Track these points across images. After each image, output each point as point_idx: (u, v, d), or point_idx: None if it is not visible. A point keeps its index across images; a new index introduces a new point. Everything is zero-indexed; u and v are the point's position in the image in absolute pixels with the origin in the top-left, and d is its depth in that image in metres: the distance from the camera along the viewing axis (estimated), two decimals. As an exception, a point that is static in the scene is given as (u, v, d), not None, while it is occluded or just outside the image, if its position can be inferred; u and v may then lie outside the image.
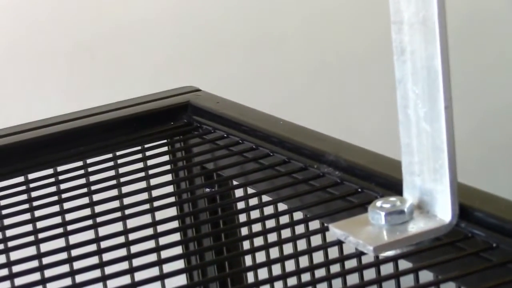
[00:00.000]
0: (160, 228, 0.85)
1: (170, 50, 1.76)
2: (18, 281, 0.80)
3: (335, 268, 0.75)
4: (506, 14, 1.97)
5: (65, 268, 0.83)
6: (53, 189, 0.94)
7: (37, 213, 0.92)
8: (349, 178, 0.79)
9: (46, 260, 0.84)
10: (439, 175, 0.67)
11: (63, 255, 0.84)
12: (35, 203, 0.92)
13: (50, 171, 0.97)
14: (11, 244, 0.87)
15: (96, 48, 1.73)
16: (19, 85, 1.73)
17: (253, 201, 0.86)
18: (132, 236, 0.85)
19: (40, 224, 0.90)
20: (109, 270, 0.80)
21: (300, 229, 0.79)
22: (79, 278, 0.80)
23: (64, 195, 0.92)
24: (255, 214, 0.85)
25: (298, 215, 0.80)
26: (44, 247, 0.85)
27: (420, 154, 0.68)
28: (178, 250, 0.86)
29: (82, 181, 0.93)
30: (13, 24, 1.76)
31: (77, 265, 0.82)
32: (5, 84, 1.72)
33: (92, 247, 0.85)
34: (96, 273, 0.81)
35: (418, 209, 0.68)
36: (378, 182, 0.75)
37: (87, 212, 0.90)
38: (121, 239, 0.85)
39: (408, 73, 0.66)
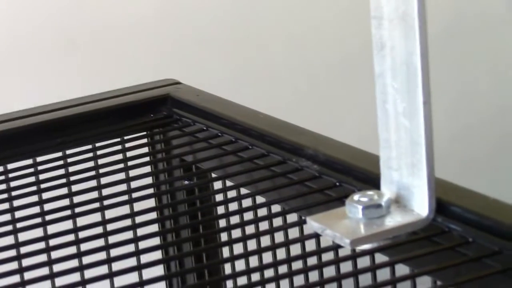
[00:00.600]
0: (138, 219, 0.85)
1: (153, 44, 1.75)
2: None
3: (312, 261, 0.74)
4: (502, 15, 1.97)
5: (43, 258, 0.82)
6: (32, 179, 0.93)
7: (16, 203, 0.91)
8: (327, 172, 0.79)
9: (23, 250, 0.84)
10: (417, 169, 0.67)
11: (41, 245, 0.83)
12: (13, 193, 0.91)
13: (29, 161, 0.97)
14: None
15: (80, 40, 1.73)
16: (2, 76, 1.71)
17: (232, 194, 0.86)
18: (110, 227, 0.84)
19: (18, 214, 0.89)
20: (86, 260, 0.80)
21: (278, 221, 0.78)
22: (57, 267, 0.79)
23: (43, 185, 0.92)
24: (233, 206, 0.85)
25: (276, 208, 0.79)
26: (23, 236, 0.85)
27: (398, 149, 0.68)
28: (156, 241, 0.86)
29: (62, 171, 0.93)
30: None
31: (54, 254, 0.81)
32: None
33: (71, 237, 0.84)
34: (74, 263, 0.81)
35: (395, 203, 0.68)
36: (356, 176, 0.75)
37: (65, 202, 0.90)
38: (99, 230, 0.85)
39: (387, 68, 0.66)
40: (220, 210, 0.88)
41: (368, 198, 0.68)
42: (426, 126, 0.66)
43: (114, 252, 0.82)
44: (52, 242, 0.84)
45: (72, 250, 0.83)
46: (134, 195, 0.88)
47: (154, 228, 0.88)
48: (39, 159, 0.96)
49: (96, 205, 0.89)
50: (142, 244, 0.83)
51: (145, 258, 0.81)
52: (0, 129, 0.99)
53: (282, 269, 0.77)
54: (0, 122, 0.98)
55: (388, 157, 0.69)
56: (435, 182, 0.67)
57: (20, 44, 1.74)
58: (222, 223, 0.87)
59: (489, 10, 1.96)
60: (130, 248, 0.83)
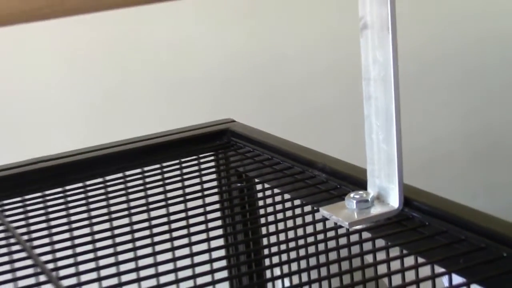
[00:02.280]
0: (208, 208, 0.84)
1: (215, 92, 1.67)
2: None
3: (320, 236, 0.74)
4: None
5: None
6: (140, 181, 0.91)
7: (131, 196, 0.88)
8: (332, 179, 0.79)
9: (156, 230, 0.82)
10: (391, 177, 0.67)
11: (145, 224, 0.82)
12: (130, 190, 0.90)
13: (138, 170, 0.94)
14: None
15: (166, 90, 1.63)
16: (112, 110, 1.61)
17: (268, 192, 0.85)
18: (191, 213, 0.83)
19: (132, 204, 0.87)
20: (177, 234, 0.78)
21: (298, 211, 0.78)
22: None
23: (148, 185, 0.90)
24: (269, 200, 0.84)
25: (297, 202, 0.79)
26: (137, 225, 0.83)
27: (379, 164, 0.69)
28: (218, 223, 0.85)
29: (159, 177, 0.91)
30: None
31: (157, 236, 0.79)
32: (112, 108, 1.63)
33: (165, 219, 0.83)
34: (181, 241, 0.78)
35: (377, 199, 0.69)
36: (351, 181, 0.75)
37: (161, 197, 0.88)
38: (183, 215, 0.84)
39: (372, 112, 0.67)
40: (260, 202, 0.88)
41: (359, 195, 0.68)
42: (397, 149, 0.66)
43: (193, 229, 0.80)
44: (155, 221, 0.82)
45: (167, 227, 0.81)
46: (206, 192, 0.86)
47: (217, 214, 0.85)
48: (146, 168, 0.94)
49: (181, 198, 0.87)
50: (211, 224, 0.82)
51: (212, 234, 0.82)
52: (123, 149, 0.98)
53: (300, 242, 0.75)
54: (123, 145, 0.97)
55: (372, 169, 0.69)
56: (403, 186, 0.67)
57: (112, 85, 1.59)
58: (262, 211, 0.84)
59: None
60: (202, 227, 0.81)
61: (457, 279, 0.60)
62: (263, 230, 0.83)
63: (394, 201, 0.67)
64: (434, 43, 1.79)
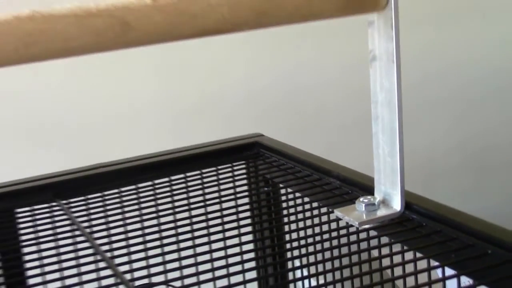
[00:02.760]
0: (240, 208, 0.85)
1: (245, 109, 1.62)
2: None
3: (334, 234, 0.74)
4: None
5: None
6: (183, 185, 0.91)
7: (175, 198, 0.89)
8: (344, 185, 0.79)
9: (196, 226, 0.83)
10: (394, 185, 0.67)
11: (187, 221, 0.83)
12: (174, 192, 0.90)
13: (181, 175, 0.94)
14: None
15: (202, 110, 1.59)
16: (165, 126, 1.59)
17: (290, 196, 0.85)
18: (225, 212, 0.84)
19: (176, 204, 0.88)
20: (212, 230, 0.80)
21: (315, 211, 0.79)
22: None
23: (190, 188, 0.90)
24: (291, 202, 0.83)
25: (315, 204, 0.80)
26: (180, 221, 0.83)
27: (384, 173, 0.68)
28: (248, 221, 0.86)
29: (199, 181, 0.91)
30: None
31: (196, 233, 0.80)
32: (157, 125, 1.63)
33: (203, 217, 0.84)
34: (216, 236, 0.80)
35: (383, 203, 0.69)
36: (361, 187, 0.75)
37: (200, 198, 0.89)
38: (218, 214, 0.85)
39: (379, 130, 0.67)
40: (284, 204, 0.86)
41: (367, 200, 0.68)
42: (400, 161, 0.66)
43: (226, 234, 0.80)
44: (196, 219, 0.83)
45: (203, 224, 0.82)
46: (238, 195, 0.87)
47: (247, 214, 0.87)
48: (188, 174, 0.94)
49: (217, 200, 0.88)
50: (242, 222, 0.82)
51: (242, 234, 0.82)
52: (169, 158, 0.97)
53: (317, 237, 0.75)
54: (169, 154, 0.97)
55: (379, 178, 0.69)
56: (404, 192, 0.68)
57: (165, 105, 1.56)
58: (285, 211, 0.84)
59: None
60: (233, 224, 0.83)
61: (448, 272, 0.61)
62: (286, 228, 0.83)
63: (396, 205, 0.67)
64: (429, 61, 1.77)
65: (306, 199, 0.81)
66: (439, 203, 0.68)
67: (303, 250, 0.74)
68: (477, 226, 0.62)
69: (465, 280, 0.61)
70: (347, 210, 0.70)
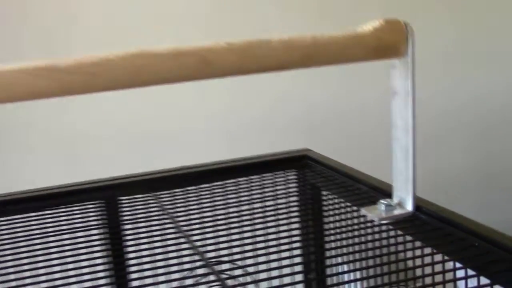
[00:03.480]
0: (290, 204, 0.87)
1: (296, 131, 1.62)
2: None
3: (362, 226, 0.74)
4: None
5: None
6: (246, 185, 0.92)
7: (240, 194, 0.89)
8: (370, 190, 0.78)
9: (256, 215, 0.83)
10: (408, 191, 0.67)
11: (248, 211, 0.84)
12: (240, 190, 0.91)
13: (234, 180, 0.93)
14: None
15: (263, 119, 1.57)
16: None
17: (329, 197, 0.85)
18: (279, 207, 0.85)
19: (242, 199, 0.87)
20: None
21: (347, 209, 0.79)
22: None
23: (252, 188, 0.90)
24: (330, 202, 0.84)
25: (347, 204, 0.80)
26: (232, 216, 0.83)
27: (400, 182, 0.68)
28: (297, 213, 0.85)
29: (259, 183, 0.91)
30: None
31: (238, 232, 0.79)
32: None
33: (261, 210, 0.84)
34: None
35: (398, 205, 0.69)
36: (382, 192, 0.75)
37: (259, 195, 0.88)
38: (273, 207, 0.85)
39: (398, 148, 0.67)
40: (324, 203, 0.87)
41: (387, 202, 0.69)
42: (413, 173, 0.66)
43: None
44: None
45: (250, 227, 0.82)
46: (290, 195, 0.87)
47: (296, 208, 0.86)
48: (252, 177, 0.93)
49: (272, 202, 0.87)
50: (292, 219, 0.83)
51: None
52: (237, 164, 0.95)
53: (349, 228, 0.76)
54: (237, 161, 0.96)
55: (396, 185, 0.69)
56: (415, 197, 0.67)
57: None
58: (325, 208, 0.86)
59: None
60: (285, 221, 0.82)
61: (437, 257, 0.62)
62: (326, 220, 0.86)
63: (409, 206, 0.68)
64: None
65: (341, 200, 0.81)
66: (441, 206, 0.68)
67: (338, 236, 0.76)
68: (468, 224, 0.63)
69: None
70: (370, 209, 0.70)
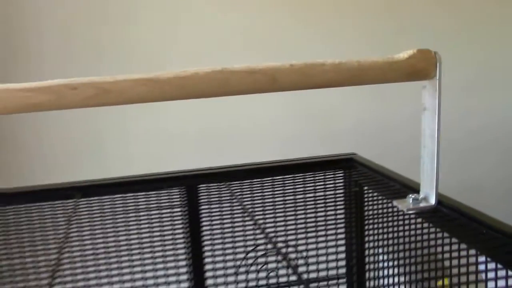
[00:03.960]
0: (337, 198, 0.92)
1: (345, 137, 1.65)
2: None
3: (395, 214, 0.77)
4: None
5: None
6: (301, 180, 0.91)
7: (296, 187, 0.91)
8: (403, 187, 0.77)
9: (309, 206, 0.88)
10: (432, 188, 0.68)
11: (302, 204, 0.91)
12: (296, 185, 0.91)
13: (301, 174, 0.92)
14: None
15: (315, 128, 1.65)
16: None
17: (370, 193, 0.86)
18: (327, 199, 0.89)
19: (297, 191, 0.90)
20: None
21: (384, 201, 0.80)
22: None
23: (306, 184, 0.90)
24: (370, 196, 0.85)
25: (383, 197, 0.80)
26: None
27: (427, 181, 0.69)
28: (342, 205, 0.90)
29: (312, 179, 0.91)
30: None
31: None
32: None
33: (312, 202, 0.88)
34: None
35: (424, 199, 0.69)
36: (411, 189, 0.75)
37: (312, 189, 0.91)
38: (322, 199, 0.89)
39: (425, 154, 0.68)
40: (365, 198, 0.88)
41: (414, 196, 0.69)
42: (436, 174, 0.67)
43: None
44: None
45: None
46: (337, 190, 0.90)
47: (342, 201, 0.91)
48: (306, 174, 0.91)
49: (323, 196, 0.90)
50: (338, 206, 0.88)
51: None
52: (294, 163, 0.93)
53: (384, 216, 0.80)
54: (293, 161, 0.94)
55: (423, 183, 0.69)
56: (438, 193, 0.68)
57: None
58: (367, 204, 0.87)
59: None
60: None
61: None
62: (366, 211, 0.87)
63: (432, 200, 0.68)
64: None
65: (379, 194, 0.82)
66: (460, 202, 0.68)
67: (375, 226, 0.79)
68: (477, 216, 0.63)
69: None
70: (401, 202, 0.70)
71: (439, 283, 0.65)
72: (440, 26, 1.62)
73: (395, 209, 0.76)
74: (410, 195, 0.70)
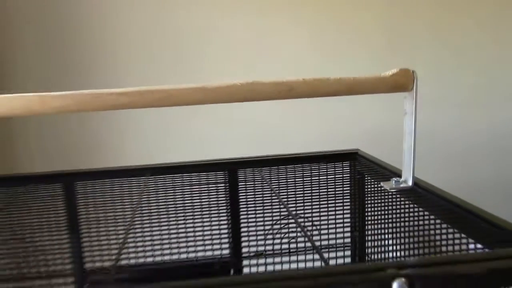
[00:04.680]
0: (344, 183, 0.95)
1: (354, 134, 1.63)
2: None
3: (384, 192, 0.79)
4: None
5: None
6: (317, 167, 0.91)
7: (313, 173, 0.93)
8: (391, 173, 0.77)
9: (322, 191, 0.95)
10: (409, 173, 0.70)
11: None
12: (313, 172, 0.93)
13: (316, 164, 0.91)
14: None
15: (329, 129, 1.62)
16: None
17: (369, 179, 0.84)
18: (336, 184, 0.95)
19: (313, 176, 0.93)
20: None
21: (378, 185, 0.81)
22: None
23: (321, 171, 0.92)
24: (369, 181, 0.85)
25: (375, 181, 0.81)
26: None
27: (406, 167, 0.70)
28: (348, 189, 0.95)
29: (325, 166, 0.92)
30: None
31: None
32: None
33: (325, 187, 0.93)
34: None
35: (404, 182, 0.71)
36: (396, 174, 0.76)
37: (324, 177, 0.93)
38: (332, 184, 0.94)
39: (406, 147, 0.69)
40: (366, 182, 0.88)
41: (396, 179, 0.72)
42: (413, 163, 0.69)
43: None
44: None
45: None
46: (344, 178, 0.92)
47: (348, 185, 0.95)
48: (313, 164, 0.90)
49: (333, 187, 0.91)
50: (345, 189, 0.91)
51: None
52: (311, 155, 0.91)
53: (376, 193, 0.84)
54: (311, 153, 0.91)
55: (404, 170, 0.71)
56: (414, 178, 0.70)
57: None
58: (367, 187, 0.89)
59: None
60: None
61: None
62: (366, 192, 0.89)
63: (410, 182, 0.71)
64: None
65: (374, 180, 0.84)
66: (431, 184, 0.69)
67: (373, 203, 0.83)
68: (447, 196, 0.64)
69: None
70: (386, 183, 0.74)
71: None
72: (424, 44, 1.59)
73: (386, 191, 0.78)
74: (393, 178, 0.73)
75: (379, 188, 0.81)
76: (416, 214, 0.69)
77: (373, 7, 1.49)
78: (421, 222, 0.68)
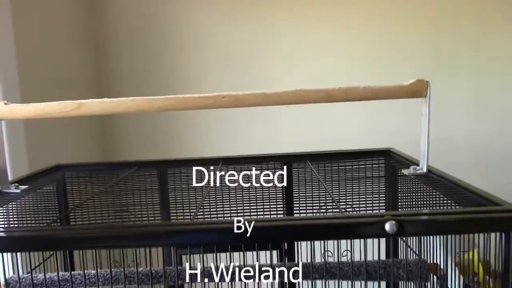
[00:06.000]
0: (380, 174, 1.00)
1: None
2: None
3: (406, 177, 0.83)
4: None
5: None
6: (356, 162, 0.98)
7: (354, 167, 1.01)
8: (412, 164, 0.82)
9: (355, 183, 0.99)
10: (424, 161, 0.77)
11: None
12: (354, 165, 1.01)
13: (355, 160, 0.97)
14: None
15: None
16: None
17: (399, 169, 0.87)
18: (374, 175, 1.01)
19: (354, 170, 0.99)
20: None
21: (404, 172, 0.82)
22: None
23: (360, 165, 0.97)
24: (400, 171, 0.87)
25: (403, 170, 0.81)
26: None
27: (422, 157, 0.77)
28: (383, 179, 1.02)
29: (363, 162, 0.97)
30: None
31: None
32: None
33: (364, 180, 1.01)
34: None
35: (420, 169, 0.78)
36: (415, 163, 0.81)
37: (362, 169, 0.98)
38: (370, 175, 1.02)
39: (421, 141, 0.75)
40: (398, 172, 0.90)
41: (414, 167, 0.78)
42: (427, 154, 0.76)
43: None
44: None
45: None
46: (380, 169, 0.96)
47: (383, 174, 1.00)
48: (359, 159, 0.97)
49: (364, 181, 0.96)
50: (381, 180, 0.99)
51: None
52: (351, 151, 0.96)
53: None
54: (350, 151, 0.98)
55: (420, 160, 0.77)
56: (428, 166, 0.76)
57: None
58: (398, 176, 0.91)
59: None
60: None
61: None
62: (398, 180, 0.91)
63: (425, 169, 0.77)
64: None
65: (402, 169, 0.84)
66: (444, 171, 0.74)
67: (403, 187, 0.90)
68: (456, 180, 0.69)
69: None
70: (407, 170, 0.80)
71: (466, 256, 0.64)
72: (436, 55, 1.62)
73: (412, 179, 0.81)
74: (412, 166, 0.81)
75: (405, 176, 0.85)
76: (428, 192, 0.76)
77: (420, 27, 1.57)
78: (431, 199, 0.75)
